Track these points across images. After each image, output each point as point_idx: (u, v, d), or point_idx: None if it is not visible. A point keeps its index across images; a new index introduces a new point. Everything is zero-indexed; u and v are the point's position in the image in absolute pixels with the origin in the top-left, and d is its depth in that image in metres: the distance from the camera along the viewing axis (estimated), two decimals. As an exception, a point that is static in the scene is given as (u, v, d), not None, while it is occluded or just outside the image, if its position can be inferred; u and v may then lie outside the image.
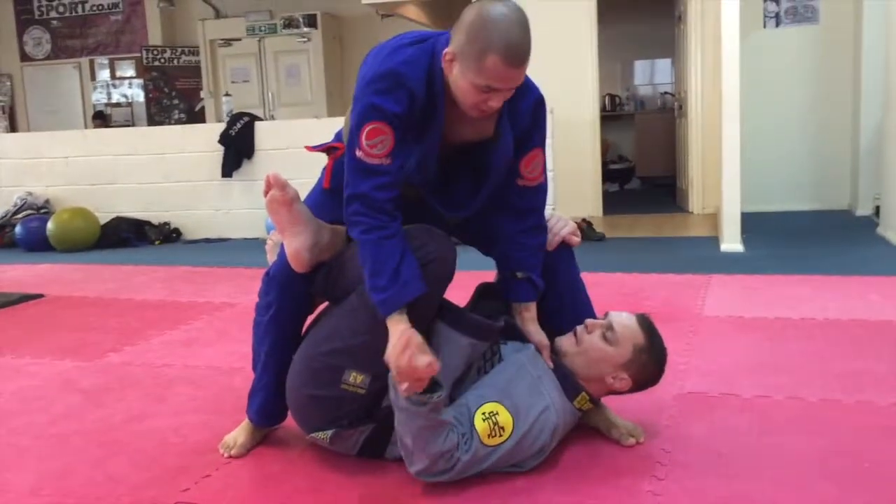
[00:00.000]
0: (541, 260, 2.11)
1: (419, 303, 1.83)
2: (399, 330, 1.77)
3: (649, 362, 2.02)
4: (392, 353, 1.74)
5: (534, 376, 1.95)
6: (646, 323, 2.05)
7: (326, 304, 2.12)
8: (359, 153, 1.81)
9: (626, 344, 2.00)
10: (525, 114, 1.95)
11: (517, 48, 1.73)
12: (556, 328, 2.10)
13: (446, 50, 1.78)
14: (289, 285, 2.05)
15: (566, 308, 2.16)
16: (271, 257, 2.25)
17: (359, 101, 1.83)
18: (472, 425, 1.84)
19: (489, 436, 1.84)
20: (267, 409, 2.14)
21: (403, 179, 1.88)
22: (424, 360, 1.70)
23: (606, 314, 2.06)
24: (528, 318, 2.09)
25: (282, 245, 2.10)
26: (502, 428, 1.84)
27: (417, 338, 1.74)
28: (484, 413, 1.85)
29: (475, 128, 1.93)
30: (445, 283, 1.94)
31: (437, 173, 1.97)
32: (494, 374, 1.96)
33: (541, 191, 2.10)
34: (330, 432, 1.95)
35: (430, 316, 1.94)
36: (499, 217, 2.09)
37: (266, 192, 1.97)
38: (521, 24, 1.75)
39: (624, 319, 2.04)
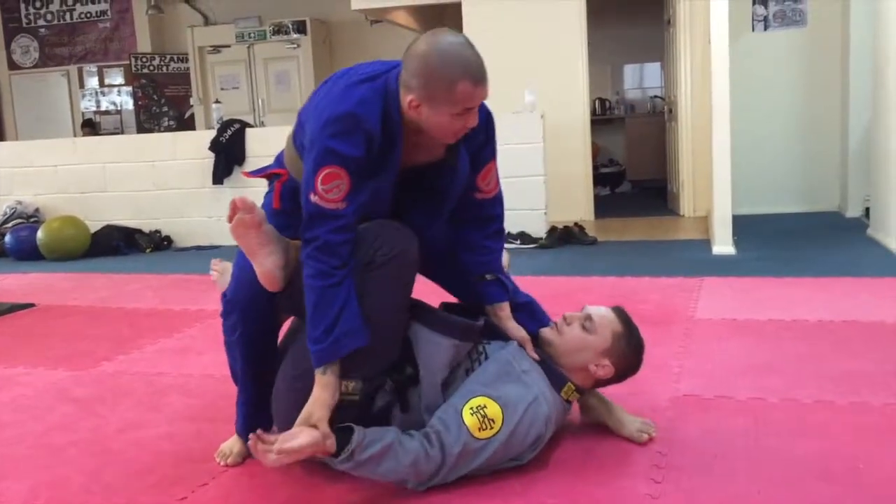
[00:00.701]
0: (501, 264, 2.17)
1: (384, 298, 1.88)
2: (318, 395, 1.82)
3: (628, 348, 2.08)
4: (300, 420, 1.80)
5: (519, 370, 1.99)
6: (622, 313, 2.12)
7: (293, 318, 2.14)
8: (314, 198, 1.82)
9: (605, 332, 2.06)
10: (478, 130, 1.96)
11: (477, 67, 1.80)
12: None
13: (409, 97, 1.80)
14: (250, 306, 2.05)
15: (524, 324, 2.16)
16: (221, 285, 2.25)
17: (315, 144, 1.83)
18: (462, 421, 1.85)
19: (479, 429, 1.85)
20: (249, 422, 2.14)
21: (359, 217, 1.89)
22: (305, 440, 1.74)
23: (583, 307, 2.12)
24: (504, 316, 2.13)
25: (235, 267, 2.10)
26: (492, 420, 1.86)
27: (320, 413, 1.79)
28: (472, 408, 1.88)
29: (428, 152, 1.96)
30: (412, 274, 1.96)
31: (390, 202, 1.99)
32: (480, 372, 1.99)
33: (498, 201, 2.17)
34: None
35: (407, 308, 1.97)
36: (461, 229, 2.13)
37: (231, 217, 1.93)
38: (468, 44, 1.82)
39: (601, 310, 2.12)
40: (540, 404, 1.94)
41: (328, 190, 1.81)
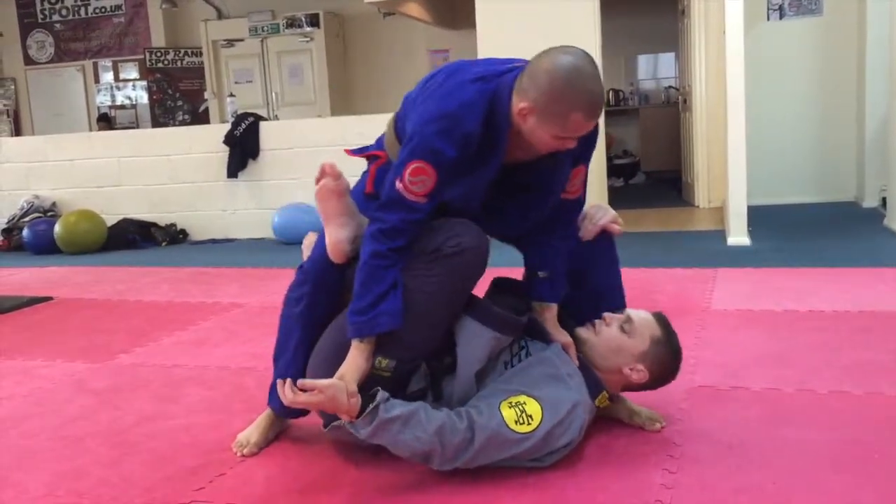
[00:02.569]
0: (564, 265, 2.14)
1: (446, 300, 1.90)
2: (352, 359, 1.87)
3: (666, 355, 2.05)
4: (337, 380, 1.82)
5: (563, 373, 1.97)
6: (662, 318, 2.10)
7: None
8: (399, 185, 1.85)
9: (643, 335, 2.04)
10: (581, 137, 1.95)
11: (598, 102, 1.81)
12: (590, 317, 2.13)
13: (522, 105, 1.80)
14: (322, 278, 2.08)
15: (600, 302, 2.17)
16: (306, 254, 2.27)
17: (416, 136, 1.86)
18: (497, 411, 1.85)
19: (516, 422, 1.84)
20: None
21: (436, 210, 1.92)
22: (344, 401, 1.77)
23: (623, 310, 2.10)
24: (549, 317, 2.11)
25: (316, 241, 2.13)
26: (531, 416, 1.86)
27: (352, 374, 1.85)
28: (510, 402, 1.87)
29: (528, 152, 1.95)
30: (478, 274, 1.96)
31: (483, 198, 1.99)
32: (522, 369, 1.98)
33: (578, 204, 2.16)
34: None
35: (461, 306, 1.97)
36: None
37: (318, 180, 2.00)
38: (597, 77, 1.81)
39: (641, 313, 2.08)
40: (578, 410, 1.93)
41: (414, 182, 1.84)
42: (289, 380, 1.79)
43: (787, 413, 2.24)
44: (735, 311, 3.39)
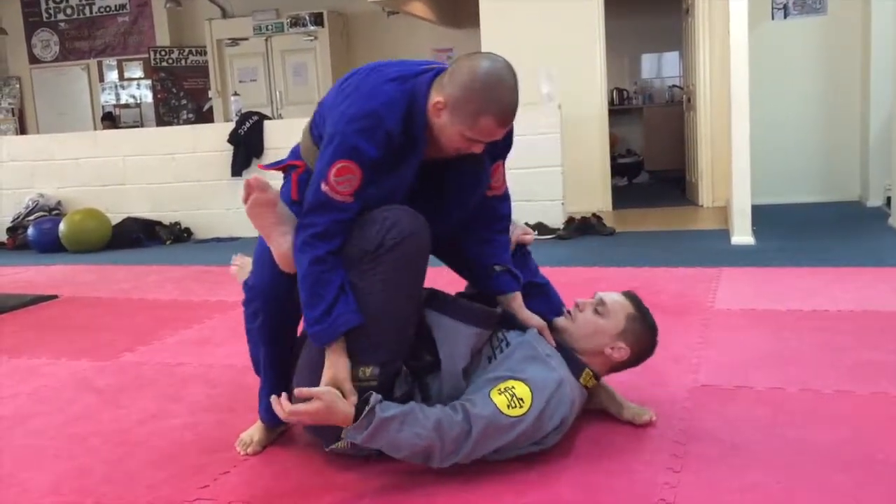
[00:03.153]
0: (510, 255, 2.18)
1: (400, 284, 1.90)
2: (332, 362, 1.87)
3: (643, 329, 2.09)
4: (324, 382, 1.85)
5: (543, 354, 2.00)
6: (633, 297, 2.14)
7: None
8: (324, 187, 1.85)
9: (618, 315, 2.08)
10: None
11: (510, 111, 1.85)
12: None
13: (437, 99, 1.84)
14: (272, 292, 2.07)
15: (538, 306, 2.19)
16: (240, 279, 2.28)
17: (336, 137, 1.86)
18: (489, 399, 1.86)
19: (508, 406, 1.86)
20: (271, 409, 2.15)
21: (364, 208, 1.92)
22: (342, 406, 1.80)
23: (595, 294, 2.14)
24: (517, 306, 2.14)
25: (257, 252, 2.11)
26: (521, 399, 1.87)
27: (343, 373, 1.86)
28: (500, 389, 1.89)
29: (447, 152, 1.96)
30: (424, 257, 1.95)
31: (405, 195, 1.99)
32: (504, 358, 2.00)
33: (506, 198, 2.19)
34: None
35: (420, 291, 1.98)
36: (469, 223, 2.13)
37: (246, 198, 1.96)
38: (514, 87, 1.85)
39: (613, 295, 2.13)
40: (565, 386, 1.95)
41: (340, 182, 1.84)
42: (283, 395, 1.82)
43: (791, 413, 2.24)
44: (739, 311, 3.39)
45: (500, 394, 1.88)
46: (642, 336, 2.10)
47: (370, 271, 1.88)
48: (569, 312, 2.14)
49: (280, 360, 2.13)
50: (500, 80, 1.82)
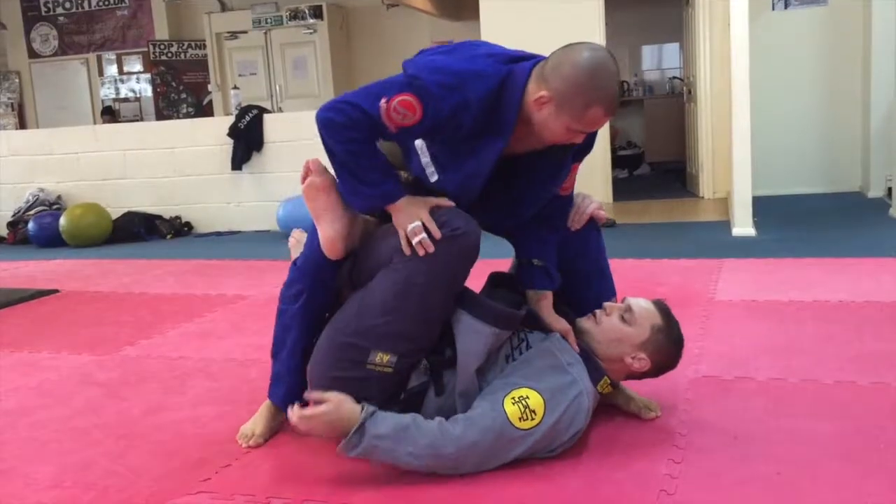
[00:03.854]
0: (555, 254, 2.15)
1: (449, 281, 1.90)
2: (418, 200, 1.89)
3: (667, 343, 2.05)
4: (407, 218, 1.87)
5: (564, 362, 1.97)
6: (663, 307, 2.09)
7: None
8: (383, 104, 1.82)
9: (644, 324, 2.03)
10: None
11: (616, 99, 1.84)
12: (580, 305, 2.15)
13: (541, 93, 1.80)
14: (318, 274, 2.08)
15: (591, 286, 2.20)
16: (295, 253, 2.27)
17: (419, 78, 1.83)
18: (501, 409, 1.85)
19: (520, 419, 1.84)
20: (294, 393, 2.13)
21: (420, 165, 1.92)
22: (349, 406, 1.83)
23: (624, 299, 2.10)
24: (545, 306, 2.11)
25: (308, 237, 2.13)
26: (534, 412, 1.85)
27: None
28: (513, 398, 1.87)
29: (529, 145, 1.95)
30: (471, 260, 1.95)
31: (475, 193, 1.97)
32: (523, 362, 1.97)
33: (569, 200, 2.18)
34: None
35: (456, 293, 1.96)
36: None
37: (304, 178, 2.00)
38: (617, 74, 1.84)
39: (641, 302, 2.08)
40: (583, 398, 1.93)
41: (398, 112, 1.83)
42: (296, 404, 1.85)
43: (792, 403, 2.24)
44: (740, 302, 3.39)
45: (513, 403, 1.85)
46: (664, 349, 2.05)
47: (415, 260, 1.87)
48: (594, 315, 2.10)
49: (306, 348, 2.11)
50: (605, 69, 1.79)
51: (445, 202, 1.92)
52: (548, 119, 1.82)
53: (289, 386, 2.15)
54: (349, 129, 1.85)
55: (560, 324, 2.08)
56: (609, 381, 2.05)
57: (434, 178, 1.94)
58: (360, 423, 1.80)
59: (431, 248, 1.85)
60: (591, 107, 1.79)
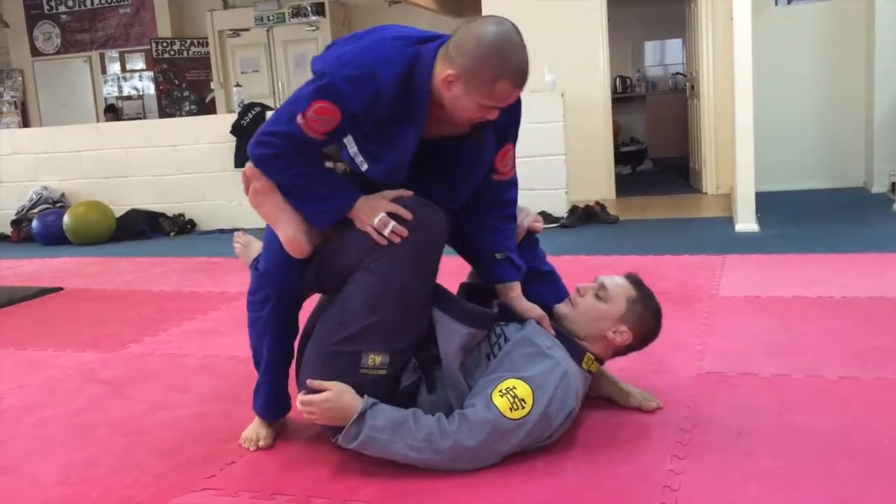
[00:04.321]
0: (514, 243, 2.15)
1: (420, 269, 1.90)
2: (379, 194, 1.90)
3: (645, 312, 2.08)
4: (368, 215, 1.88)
5: (543, 347, 1.98)
6: (635, 279, 2.12)
7: (319, 296, 2.15)
8: (300, 120, 1.83)
9: (619, 299, 2.06)
10: (504, 112, 1.93)
11: (525, 71, 1.80)
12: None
13: (448, 71, 1.79)
14: (283, 276, 2.06)
15: (547, 295, 2.19)
16: (244, 258, 2.27)
17: (326, 76, 1.83)
18: (491, 403, 1.85)
19: (511, 409, 1.85)
20: (271, 403, 2.17)
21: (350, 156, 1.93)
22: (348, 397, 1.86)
23: (596, 278, 2.12)
24: (516, 296, 2.11)
25: (265, 240, 2.10)
26: (523, 400, 1.86)
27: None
28: (500, 390, 1.87)
29: (452, 127, 1.93)
30: (443, 241, 1.95)
31: (402, 176, 1.96)
32: (504, 356, 1.98)
33: (513, 184, 2.16)
34: None
35: (434, 281, 1.96)
36: (474, 209, 2.10)
37: (247, 188, 1.97)
38: (524, 45, 1.81)
39: (614, 279, 2.11)
40: (569, 378, 1.94)
41: (316, 121, 1.82)
42: (301, 393, 1.87)
43: (795, 399, 2.24)
44: (743, 298, 3.39)
45: (501, 396, 1.86)
46: (645, 319, 2.08)
47: (387, 256, 1.87)
48: (570, 299, 2.12)
49: (284, 353, 2.13)
50: (509, 42, 1.77)
51: (404, 192, 1.91)
52: (458, 98, 1.81)
53: (265, 396, 2.16)
54: (281, 157, 1.87)
55: (534, 311, 2.09)
56: (594, 358, 2.06)
57: (364, 167, 1.92)
58: (360, 413, 1.82)
59: (405, 233, 1.85)
60: (499, 80, 1.77)
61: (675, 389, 2.31)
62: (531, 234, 2.24)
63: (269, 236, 2.08)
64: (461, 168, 2.02)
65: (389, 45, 1.85)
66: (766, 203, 5.45)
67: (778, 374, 2.44)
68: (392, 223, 1.85)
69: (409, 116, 1.86)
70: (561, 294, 2.21)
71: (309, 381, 1.87)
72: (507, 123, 2.03)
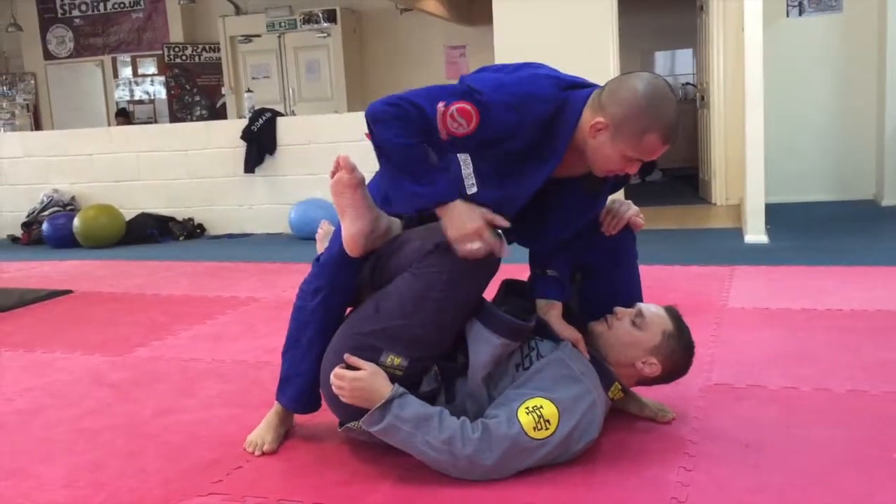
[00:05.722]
0: (569, 266, 2.15)
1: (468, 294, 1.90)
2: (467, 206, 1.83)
3: (678, 349, 2.06)
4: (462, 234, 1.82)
5: (576, 372, 1.96)
6: (674, 313, 2.10)
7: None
8: (441, 108, 1.80)
9: (655, 329, 2.04)
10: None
11: (675, 128, 1.82)
12: (606, 311, 2.13)
13: (598, 119, 1.80)
14: (340, 271, 2.07)
15: (621, 293, 2.18)
16: (321, 246, 2.27)
17: (484, 93, 1.81)
18: (516, 419, 1.84)
19: (535, 428, 1.84)
20: (305, 394, 2.14)
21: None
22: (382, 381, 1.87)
23: (636, 305, 2.10)
24: (555, 315, 2.10)
25: (334, 233, 2.12)
26: (548, 421, 1.85)
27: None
28: (527, 407, 1.86)
29: (572, 170, 1.94)
30: (490, 278, 1.95)
31: (512, 212, 1.95)
32: (535, 372, 1.96)
33: (595, 218, 2.17)
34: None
35: (474, 304, 1.96)
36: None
37: (333, 174, 1.99)
38: (675, 103, 1.84)
39: (653, 308, 2.09)
40: (596, 408, 1.93)
41: (454, 119, 1.80)
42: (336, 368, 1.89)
43: (803, 412, 2.23)
44: (752, 310, 3.38)
45: (527, 413, 1.85)
46: (675, 355, 2.06)
47: (437, 267, 1.86)
48: (606, 319, 2.10)
49: (322, 346, 2.09)
50: (664, 98, 1.80)
51: (500, 220, 1.87)
52: (603, 146, 1.82)
53: (299, 388, 2.14)
54: (408, 124, 1.82)
55: (569, 332, 2.08)
56: (620, 387, 2.05)
57: (472, 190, 1.89)
58: (388, 399, 1.81)
59: (500, 253, 1.86)
60: (648, 133, 1.78)
61: (683, 401, 2.31)
62: (630, 230, 2.21)
63: (337, 230, 2.10)
64: (562, 213, 2.03)
65: (545, 84, 1.86)
66: (776, 214, 5.44)
67: (786, 387, 2.43)
68: (483, 249, 1.82)
69: (544, 156, 1.87)
70: (633, 293, 2.22)
71: (346, 357, 1.88)
72: (624, 175, 2.02)
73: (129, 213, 6.84)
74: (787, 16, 6.71)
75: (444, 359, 1.99)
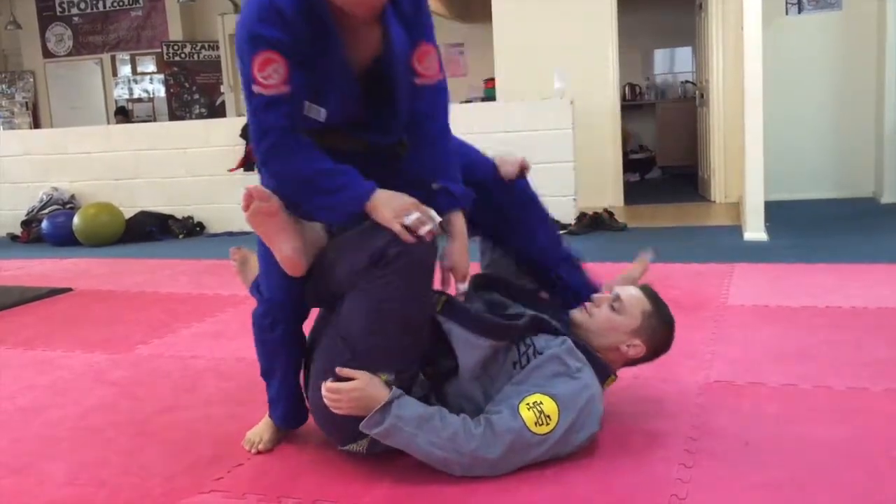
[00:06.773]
0: (457, 169, 2.04)
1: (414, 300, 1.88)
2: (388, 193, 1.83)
3: (659, 326, 2.08)
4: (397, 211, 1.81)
5: (573, 368, 1.96)
6: (650, 292, 2.12)
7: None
8: (256, 88, 1.79)
9: (634, 311, 2.06)
10: (404, 3, 1.89)
11: None
12: (531, 260, 2.24)
13: None
14: (289, 301, 2.06)
15: (536, 236, 2.27)
16: (244, 276, 2.27)
17: (242, 39, 1.79)
18: (517, 414, 1.85)
19: (536, 423, 1.85)
20: (290, 414, 2.18)
21: (304, 114, 1.86)
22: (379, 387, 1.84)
23: (612, 289, 2.12)
24: (458, 230, 2.01)
25: (262, 261, 2.09)
26: (548, 416, 1.86)
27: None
28: (528, 403, 1.87)
29: (369, 43, 1.88)
30: (433, 259, 1.91)
31: (358, 107, 1.92)
32: (533, 369, 1.96)
33: (440, 90, 2.02)
34: (365, 442, 1.92)
35: (430, 297, 1.96)
36: (412, 140, 2.02)
37: (246, 206, 1.93)
38: None
39: (629, 290, 2.11)
40: (594, 402, 1.94)
41: (267, 76, 1.77)
42: (328, 381, 1.85)
43: (803, 409, 2.24)
44: (752, 307, 3.38)
45: (528, 409, 1.86)
46: (658, 332, 2.08)
47: (381, 279, 1.82)
48: (585, 307, 2.12)
49: (297, 365, 2.13)
50: None
51: (417, 203, 1.85)
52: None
53: (285, 409, 2.17)
54: (276, 144, 1.83)
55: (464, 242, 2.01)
56: (615, 378, 2.07)
57: (322, 114, 1.87)
58: (387, 401, 1.81)
59: (439, 232, 1.85)
60: None
61: (683, 398, 2.31)
62: (523, 173, 2.25)
63: (264, 258, 2.06)
64: (390, 81, 1.93)
65: None
66: (776, 212, 5.44)
67: (786, 384, 2.44)
68: (430, 224, 1.82)
69: (325, 40, 1.81)
70: (590, 284, 2.25)
71: (339, 370, 1.86)
72: (413, 11, 1.93)
73: (128, 212, 6.84)
74: (787, 14, 6.72)
75: (428, 364, 1.98)
